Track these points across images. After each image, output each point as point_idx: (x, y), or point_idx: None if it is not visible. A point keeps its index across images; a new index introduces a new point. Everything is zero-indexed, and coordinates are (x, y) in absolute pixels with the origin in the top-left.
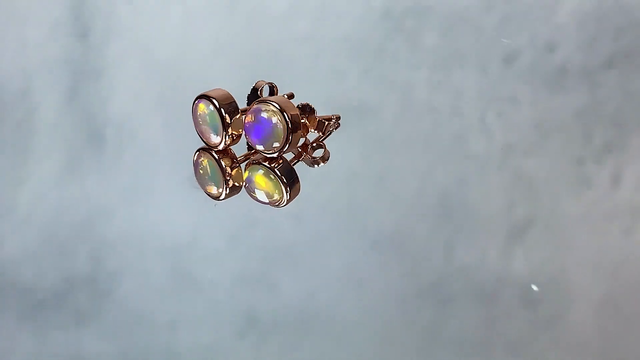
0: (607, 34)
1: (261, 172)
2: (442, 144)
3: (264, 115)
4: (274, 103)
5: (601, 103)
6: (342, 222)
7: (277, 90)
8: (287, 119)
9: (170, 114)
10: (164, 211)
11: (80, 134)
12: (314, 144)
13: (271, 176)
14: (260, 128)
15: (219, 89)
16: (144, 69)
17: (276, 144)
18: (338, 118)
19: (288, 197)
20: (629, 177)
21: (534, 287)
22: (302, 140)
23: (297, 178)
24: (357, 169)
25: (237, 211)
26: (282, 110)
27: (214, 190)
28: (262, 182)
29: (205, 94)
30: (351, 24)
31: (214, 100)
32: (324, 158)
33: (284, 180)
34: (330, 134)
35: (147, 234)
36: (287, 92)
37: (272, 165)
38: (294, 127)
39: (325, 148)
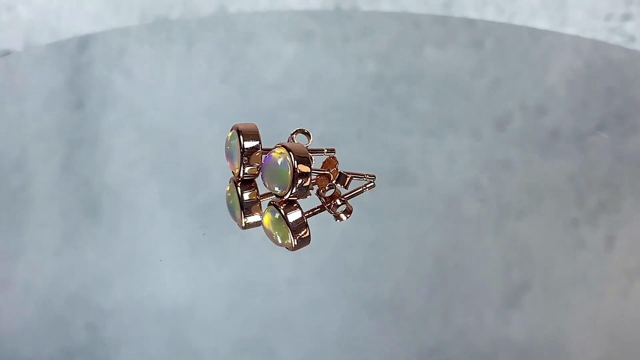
0: (597, 96)
1: (270, 213)
2: (436, 208)
3: (273, 154)
4: (286, 145)
5: (593, 165)
6: (339, 287)
7: (309, 138)
8: (293, 161)
9: (166, 181)
10: (161, 279)
11: (77, 203)
12: (337, 200)
13: (277, 217)
14: (269, 167)
15: (252, 123)
16: (139, 136)
17: (279, 186)
18: (373, 178)
19: (295, 243)
20: (623, 239)
21: None
22: (330, 192)
23: (305, 225)
24: (352, 234)
25: (234, 277)
26: (289, 152)
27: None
28: (267, 222)
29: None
30: (344, 91)
31: (238, 128)
32: (346, 212)
33: (289, 225)
34: (361, 192)
35: (145, 302)
36: (329, 147)
37: (283, 207)
38: (300, 172)
39: (347, 203)
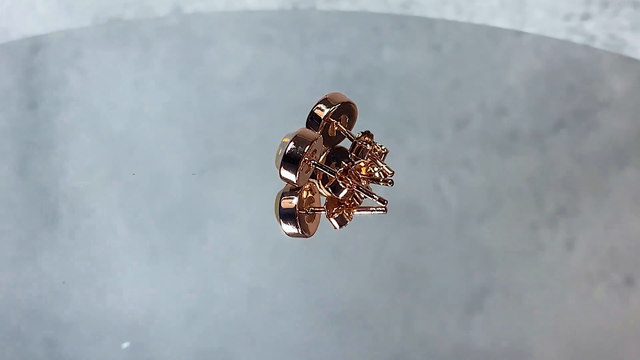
0: (557, 94)
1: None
2: (397, 212)
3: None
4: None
5: (552, 166)
6: (300, 295)
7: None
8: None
9: (124, 186)
10: (120, 289)
11: (33, 210)
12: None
13: None
14: None
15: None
16: (95, 140)
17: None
18: (383, 202)
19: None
20: (582, 241)
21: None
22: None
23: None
24: (312, 240)
25: (194, 286)
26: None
27: None
28: None
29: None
30: (303, 91)
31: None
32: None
33: None
34: (368, 212)
35: (104, 313)
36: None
37: None
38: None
39: (342, 214)
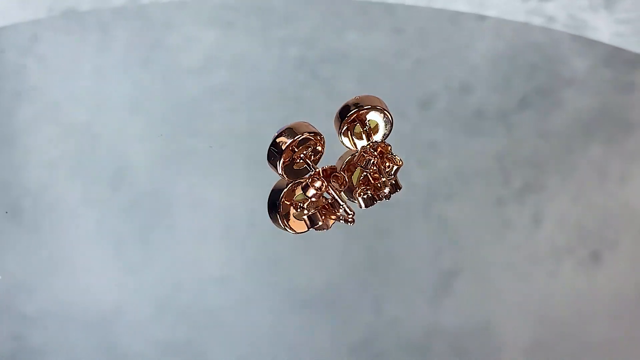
0: (521, 73)
1: None
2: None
3: None
4: None
5: (518, 143)
6: (269, 282)
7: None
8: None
9: (88, 179)
10: (86, 282)
11: None
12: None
13: None
14: None
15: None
16: (57, 132)
17: None
18: (351, 213)
19: None
20: (549, 218)
21: None
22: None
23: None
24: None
25: (161, 276)
26: None
27: None
28: None
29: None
30: (267, 75)
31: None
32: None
33: None
34: (337, 219)
35: (70, 307)
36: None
37: None
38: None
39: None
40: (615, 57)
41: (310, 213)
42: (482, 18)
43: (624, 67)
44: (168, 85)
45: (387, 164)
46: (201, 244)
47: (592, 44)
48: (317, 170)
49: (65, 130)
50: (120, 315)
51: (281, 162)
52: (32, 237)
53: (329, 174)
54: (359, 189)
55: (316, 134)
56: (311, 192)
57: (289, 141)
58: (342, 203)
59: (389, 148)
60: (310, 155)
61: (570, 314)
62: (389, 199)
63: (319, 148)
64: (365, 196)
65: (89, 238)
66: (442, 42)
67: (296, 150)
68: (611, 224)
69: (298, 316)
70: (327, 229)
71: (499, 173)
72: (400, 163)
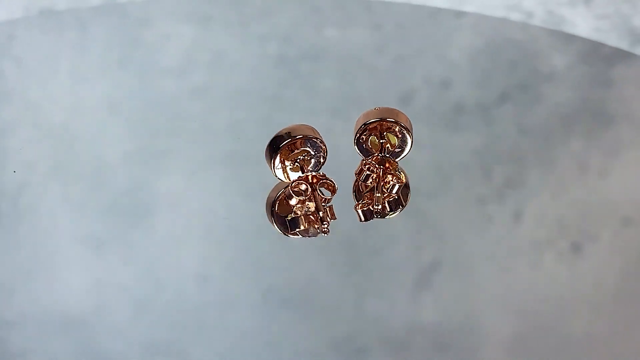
0: (500, 68)
1: None
2: (345, 190)
3: None
4: None
5: (498, 139)
6: (250, 280)
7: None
8: None
9: (66, 180)
10: (66, 283)
11: None
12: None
13: None
14: None
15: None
16: (35, 133)
17: None
18: (326, 223)
19: None
20: (530, 212)
21: None
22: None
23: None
24: (260, 223)
25: (140, 276)
26: None
27: None
28: None
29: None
30: (246, 74)
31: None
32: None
33: None
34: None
35: (49, 309)
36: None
37: None
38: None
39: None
40: (594, 52)
41: (294, 216)
42: (460, 14)
43: (602, 62)
44: (146, 84)
45: (388, 180)
46: (181, 243)
47: (570, 39)
48: (307, 174)
49: (44, 131)
50: (100, 316)
51: (276, 160)
52: (10, 239)
53: (318, 180)
54: (360, 202)
55: (317, 139)
56: (294, 196)
57: (286, 140)
58: (321, 211)
59: (396, 165)
60: (310, 161)
61: (552, 307)
62: (383, 217)
63: (321, 159)
64: (365, 209)
65: (68, 239)
66: (421, 38)
67: (294, 151)
68: (591, 217)
69: (279, 314)
70: (311, 236)
71: (479, 168)
72: (402, 181)
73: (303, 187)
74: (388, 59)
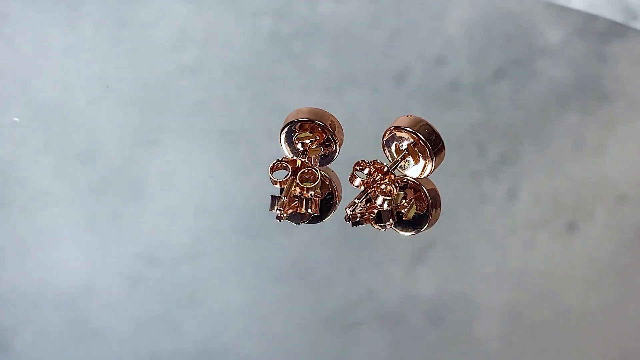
0: (495, 44)
1: None
2: (337, 168)
3: None
4: None
5: (493, 115)
6: (243, 256)
7: None
8: None
9: (58, 156)
10: (57, 259)
11: None
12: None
13: None
14: None
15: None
16: (27, 110)
17: None
18: (281, 209)
19: None
20: (525, 190)
21: None
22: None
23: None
24: (253, 198)
25: (134, 252)
26: None
27: None
28: None
29: None
30: (239, 51)
31: None
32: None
33: None
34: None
35: (41, 284)
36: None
37: None
38: None
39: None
40: (589, 26)
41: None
42: None
43: (598, 37)
44: (139, 61)
45: (381, 189)
46: (174, 219)
47: (566, 13)
48: (296, 158)
49: (34, 108)
50: (92, 292)
51: (282, 137)
52: (1, 215)
53: (304, 166)
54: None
55: (333, 136)
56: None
57: (302, 119)
58: (285, 196)
59: (394, 179)
60: (316, 150)
61: (546, 283)
62: (356, 224)
63: (328, 153)
64: (349, 210)
65: (60, 215)
66: (416, 11)
67: (305, 133)
68: (587, 194)
69: (272, 289)
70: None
71: (474, 146)
72: (391, 196)
73: (284, 170)
74: (383, 34)
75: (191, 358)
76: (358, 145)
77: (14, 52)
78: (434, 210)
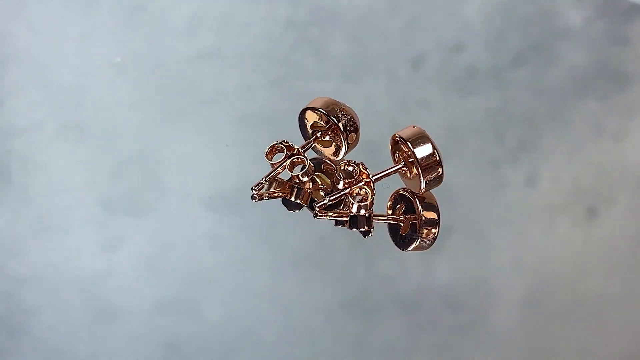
0: (514, 28)
1: None
2: (355, 154)
3: None
4: None
5: (512, 101)
6: (261, 241)
7: None
8: None
9: (76, 140)
10: (77, 242)
11: None
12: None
13: None
14: None
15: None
16: (45, 94)
17: None
18: (255, 190)
19: None
20: (544, 176)
21: None
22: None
23: None
24: None
25: (152, 236)
26: None
27: None
28: None
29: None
30: (255, 36)
31: None
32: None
33: None
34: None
35: (61, 267)
36: None
37: None
38: None
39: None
40: (609, 7)
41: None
42: None
43: (618, 17)
44: (154, 46)
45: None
46: (191, 205)
47: None
48: (296, 146)
49: (52, 93)
50: (111, 274)
51: (308, 115)
52: (21, 197)
53: (296, 154)
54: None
55: (343, 133)
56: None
57: (324, 112)
58: (264, 179)
59: (372, 186)
60: (325, 142)
61: (565, 269)
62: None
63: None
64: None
65: (79, 198)
66: None
67: (321, 123)
68: (607, 180)
69: (290, 273)
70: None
71: (492, 132)
72: (365, 199)
73: (280, 152)
74: (400, 20)
75: (210, 341)
76: (375, 131)
77: (32, 36)
78: (425, 231)
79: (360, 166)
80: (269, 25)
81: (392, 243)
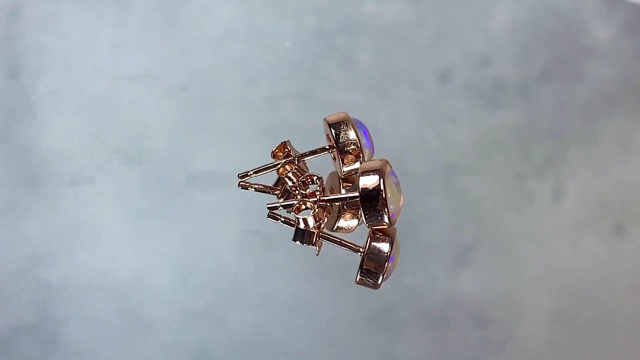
0: (541, 43)
1: None
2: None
3: None
4: None
5: (538, 116)
6: (288, 251)
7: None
8: None
9: (107, 149)
10: (107, 251)
11: (16, 175)
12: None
13: None
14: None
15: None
16: (77, 104)
17: None
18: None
19: None
20: (571, 190)
21: None
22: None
23: None
24: None
25: (181, 246)
26: None
27: None
28: None
29: None
30: (284, 47)
31: None
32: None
33: None
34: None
35: (92, 276)
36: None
37: None
38: None
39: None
40: (637, 22)
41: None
42: None
43: None
44: (185, 57)
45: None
46: (220, 215)
47: (616, 6)
48: (292, 156)
49: (85, 102)
50: (142, 284)
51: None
52: (53, 206)
53: (291, 162)
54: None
55: (334, 148)
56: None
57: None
58: (252, 171)
59: (306, 189)
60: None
61: (592, 285)
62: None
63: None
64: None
65: (109, 208)
66: (460, 10)
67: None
68: (635, 197)
69: (317, 285)
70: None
71: (519, 146)
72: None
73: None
74: (427, 33)
75: (238, 350)
76: (401, 143)
77: (64, 48)
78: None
79: (318, 182)
80: (297, 36)
81: (418, 256)
